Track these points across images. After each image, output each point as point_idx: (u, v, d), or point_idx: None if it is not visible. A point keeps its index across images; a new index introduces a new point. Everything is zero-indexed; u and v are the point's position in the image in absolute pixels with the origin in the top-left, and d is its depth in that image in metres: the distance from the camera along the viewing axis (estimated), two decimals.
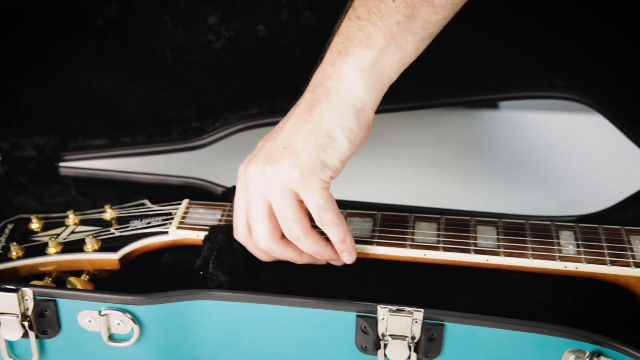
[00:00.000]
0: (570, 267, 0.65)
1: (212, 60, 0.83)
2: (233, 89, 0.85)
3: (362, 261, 0.75)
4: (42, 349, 0.68)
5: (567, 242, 0.67)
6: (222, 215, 0.73)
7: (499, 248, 0.67)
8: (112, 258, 0.71)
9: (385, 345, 0.64)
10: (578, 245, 0.67)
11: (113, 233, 0.73)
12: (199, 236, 0.71)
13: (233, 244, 0.69)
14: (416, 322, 0.63)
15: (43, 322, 0.66)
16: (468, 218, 0.71)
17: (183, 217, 0.73)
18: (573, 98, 0.81)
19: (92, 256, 0.72)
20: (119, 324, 0.66)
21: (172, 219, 0.73)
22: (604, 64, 0.80)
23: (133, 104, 0.86)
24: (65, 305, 0.66)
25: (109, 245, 0.72)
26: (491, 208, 0.84)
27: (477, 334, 0.63)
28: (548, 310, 0.70)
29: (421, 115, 0.99)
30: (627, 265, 0.65)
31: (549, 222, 0.70)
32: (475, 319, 0.62)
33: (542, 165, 0.97)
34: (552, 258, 0.66)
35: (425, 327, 0.63)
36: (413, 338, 0.63)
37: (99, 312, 0.65)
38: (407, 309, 0.63)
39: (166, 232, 0.72)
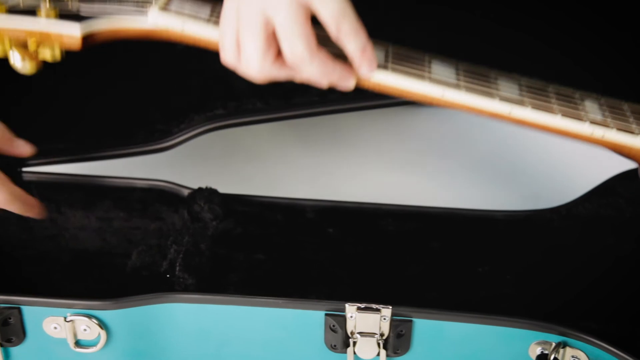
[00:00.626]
0: (598, 133, 0.59)
1: (176, 62, 0.82)
2: (198, 90, 0.84)
3: (332, 260, 0.76)
4: (7, 357, 0.67)
5: (593, 109, 0.61)
6: (212, 15, 0.62)
7: (523, 100, 0.59)
8: (72, 33, 0.58)
9: (355, 343, 0.64)
10: (604, 115, 0.61)
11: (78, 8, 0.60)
12: (184, 29, 0.60)
13: (200, 246, 0.69)
14: (384, 319, 0.63)
15: (7, 330, 0.65)
16: (487, 68, 0.63)
17: (167, 3, 0.62)
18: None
19: (46, 26, 0.58)
20: (85, 330, 0.65)
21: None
22: (563, 58, 0.81)
23: (97, 107, 0.85)
24: (30, 313, 0.65)
25: (69, 15, 0.59)
26: (457, 203, 0.84)
27: (445, 329, 0.63)
28: (514, 303, 0.70)
29: (388, 112, 0.99)
30: None
31: (572, 88, 0.63)
32: (442, 314, 0.63)
33: (507, 161, 0.98)
34: (580, 119, 0.59)
35: (393, 323, 0.63)
36: (382, 335, 0.63)
37: (65, 318, 0.64)
38: (375, 306, 0.63)
39: (145, 15, 0.61)
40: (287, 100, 0.84)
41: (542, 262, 0.74)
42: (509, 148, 1.00)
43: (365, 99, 0.87)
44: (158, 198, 0.82)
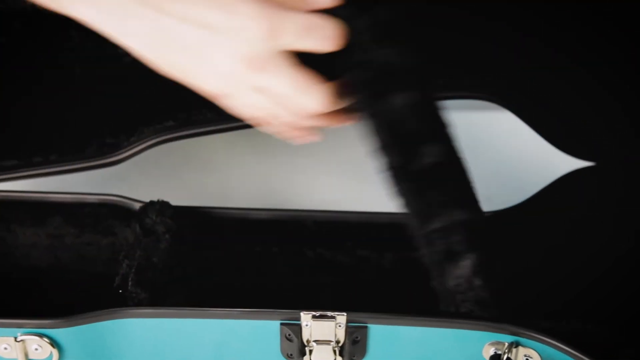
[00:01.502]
0: None
1: (124, 74, 0.82)
2: (147, 102, 0.83)
3: (288, 269, 0.76)
4: None
5: None
6: None
7: None
8: None
9: (311, 352, 0.64)
10: None
11: None
12: None
13: (152, 260, 0.69)
14: (340, 326, 0.63)
15: None
16: None
17: None
18: (481, 97, 0.83)
19: None
20: (36, 349, 0.64)
21: None
22: (508, 61, 0.82)
23: (44, 121, 0.84)
24: None
25: None
26: None
27: (400, 333, 0.63)
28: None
29: None
30: None
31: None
32: (396, 319, 0.63)
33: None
34: None
35: (349, 330, 0.63)
36: (337, 342, 0.63)
37: (15, 338, 0.63)
38: (330, 313, 0.63)
39: None
40: None
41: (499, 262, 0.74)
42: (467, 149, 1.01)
43: None
44: (109, 213, 0.81)
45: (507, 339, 0.62)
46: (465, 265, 0.60)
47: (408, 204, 0.61)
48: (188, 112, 0.84)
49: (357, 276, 0.78)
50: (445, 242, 0.60)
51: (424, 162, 0.60)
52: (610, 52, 0.78)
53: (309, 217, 0.82)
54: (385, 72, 0.58)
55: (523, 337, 0.61)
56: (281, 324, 0.63)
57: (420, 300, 0.75)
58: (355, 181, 0.98)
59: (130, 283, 0.67)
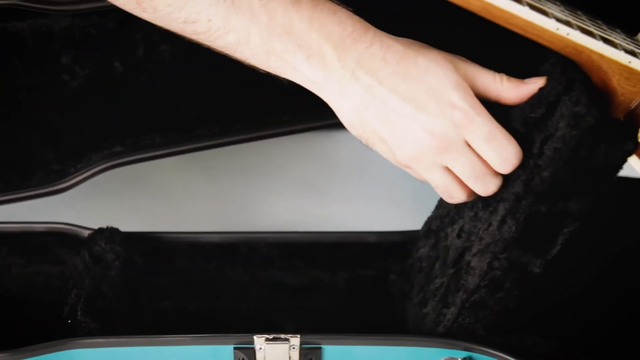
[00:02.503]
0: (563, 31, 0.57)
1: (69, 101, 0.81)
2: (94, 128, 0.83)
3: (239, 293, 0.75)
4: None
5: (556, 9, 0.60)
6: None
7: None
8: None
9: None
10: (566, 16, 0.60)
11: None
12: None
13: (102, 289, 0.68)
14: (293, 348, 0.63)
15: None
16: None
17: None
18: None
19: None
20: None
21: None
22: None
23: None
24: None
25: None
26: (365, 227, 0.85)
27: (354, 353, 0.63)
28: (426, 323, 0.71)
29: (290, 140, 0.99)
30: (615, 46, 0.59)
31: None
32: (349, 339, 0.63)
33: (412, 180, 1.01)
34: (546, 14, 0.57)
35: (303, 352, 0.63)
36: None
37: None
38: (283, 336, 0.63)
39: None
40: (187, 132, 0.84)
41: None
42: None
43: (267, 127, 0.87)
44: (57, 241, 0.79)
45: (460, 354, 0.63)
46: None
47: None
48: (136, 137, 0.83)
49: (310, 297, 0.78)
50: None
51: None
52: None
53: (261, 239, 0.82)
54: None
55: (475, 352, 0.62)
56: (234, 348, 0.63)
57: (376, 319, 0.75)
58: (307, 201, 0.98)
59: (79, 312, 0.66)
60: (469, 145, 0.58)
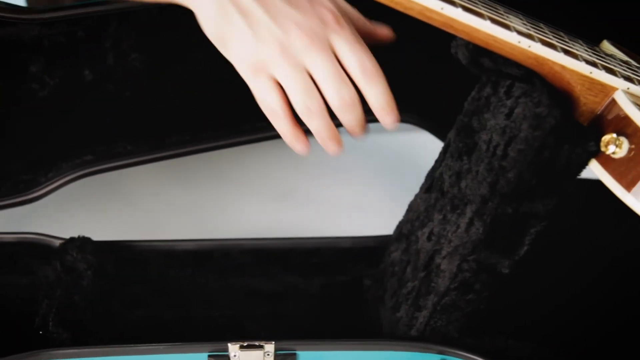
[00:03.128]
0: (525, 44, 0.58)
1: (39, 110, 0.80)
2: (64, 137, 0.82)
3: (213, 301, 0.75)
4: None
5: (518, 22, 0.61)
6: None
7: (454, 1, 0.58)
8: None
9: None
10: (528, 29, 0.61)
11: None
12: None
13: (73, 298, 0.67)
14: (268, 354, 0.63)
15: None
16: None
17: None
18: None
19: None
20: None
21: None
22: (423, 82, 0.84)
23: None
24: None
25: None
26: (339, 232, 0.86)
27: (329, 359, 0.64)
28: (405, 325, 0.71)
29: (261, 146, 1.00)
30: (576, 58, 0.60)
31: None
32: (324, 344, 0.63)
33: (382, 185, 1.01)
34: (508, 28, 0.58)
35: (277, 358, 0.63)
36: None
37: None
38: (257, 343, 0.63)
39: None
40: (158, 140, 0.84)
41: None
42: (385, 175, 1.03)
43: (240, 134, 0.87)
44: (28, 251, 0.79)
45: (434, 357, 0.63)
46: None
47: None
48: (107, 145, 0.83)
49: (285, 303, 0.78)
50: None
51: None
52: None
53: (235, 246, 0.81)
54: None
55: (449, 354, 0.63)
56: (209, 356, 0.63)
57: (350, 324, 0.75)
58: (281, 207, 0.98)
59: (51, 323, 0.65)
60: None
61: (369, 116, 0.82)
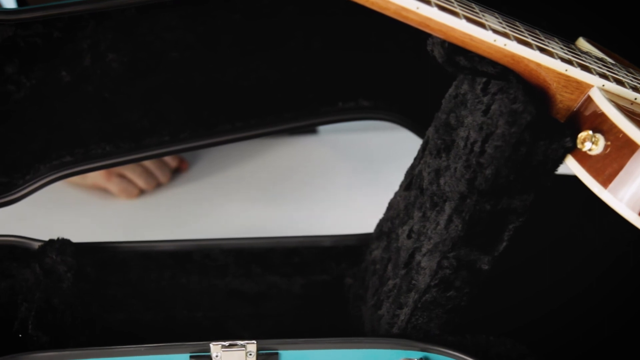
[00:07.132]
0: (500, 42, 0.58)
1: (15, 112, 0.79)
2: (42, 139, 0.81)
3: (193, 303, 0.75)
4: None
5: (493, 20, 0.61)
6: None
7: (430, 1, 0.57)
8: None
9: None
10: (504, 27, 0.61)
11: None
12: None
13: (53, 301, 0.67)
14: (250, 354, 0.63)
15: None
16: None
17: None
18: (380, 117, 0.85)
19: None
20: None
21: None
22: (404, 81, 0.85)
23: None
24: None
25: None
26: (319, 230, 0.86)
27: (311, 357, 0.64)
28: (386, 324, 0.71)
29: (240, 146, 1.00)
30: (551, 55, 0.60)
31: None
32: (306, 343, 0.63)
33: (365, 184, 1.01)
34: (483, 27, 0.58)
35: (260, 358, 0.63)
36: None
37: None
38: (239, 342, 0.63)
39: None
40: (137, 142, 0.83)
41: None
42: (368, 173, 1.03)
43: (219, 135, 0.87)
44: (7, 254, 0.78)
45: (416, 355, 0.63)
46: None
47: None
48: (85, 147, 0.82)
49: (267, 303, 0.78)
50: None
51: None
52: None
53: (215, 246, 0.81)
54: None
55: (431, 352, 0.63)
56: (191, 357, 0.63)
57: (332, 323, 0.75)
58: (262, 207, 0.98)
59: (30, 326, 0.65)
60: None
61: (349, 114, 0.83)
